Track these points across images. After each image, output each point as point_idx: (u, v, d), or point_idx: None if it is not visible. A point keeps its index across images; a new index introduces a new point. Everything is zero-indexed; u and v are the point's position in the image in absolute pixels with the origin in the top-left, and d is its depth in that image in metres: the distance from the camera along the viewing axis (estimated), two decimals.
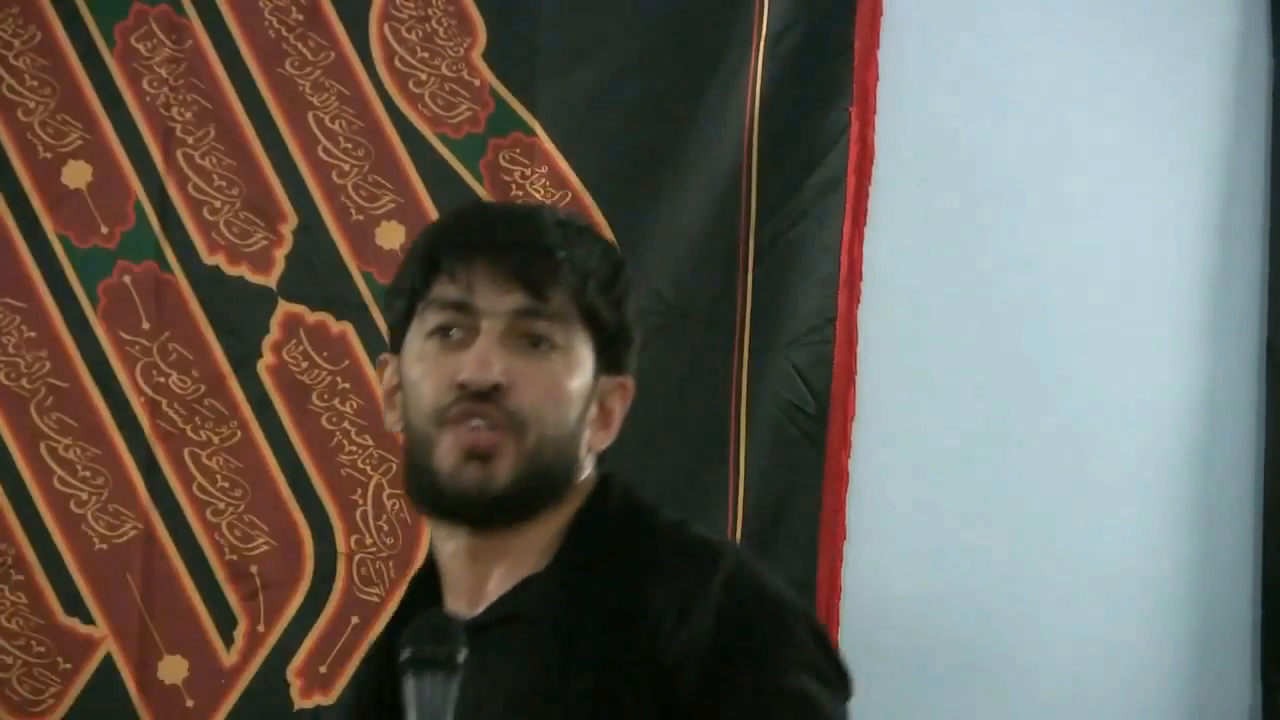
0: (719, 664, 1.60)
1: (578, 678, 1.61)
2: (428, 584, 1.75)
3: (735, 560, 1.66)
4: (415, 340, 1.71)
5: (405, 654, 1.49)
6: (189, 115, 2.98)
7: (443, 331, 1.69)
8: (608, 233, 2.97)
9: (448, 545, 1.71)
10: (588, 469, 1.73)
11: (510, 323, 1.68)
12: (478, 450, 1.66)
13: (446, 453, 1.66)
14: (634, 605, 1.63)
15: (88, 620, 2.88)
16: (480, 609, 1.69)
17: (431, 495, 1.68)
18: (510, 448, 1.66)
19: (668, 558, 1.68)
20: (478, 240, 1.71)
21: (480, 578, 1.70)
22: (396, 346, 1.74)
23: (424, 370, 1.69)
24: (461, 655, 1.49)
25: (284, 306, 2.97)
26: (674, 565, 1.67)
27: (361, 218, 2.99)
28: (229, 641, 2.91)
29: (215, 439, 2.93)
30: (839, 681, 1.68)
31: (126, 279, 2.95)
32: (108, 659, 2.88)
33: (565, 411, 1.69)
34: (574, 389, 1.70)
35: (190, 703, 2.89)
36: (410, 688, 1.48)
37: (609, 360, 1.74)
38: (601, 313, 1.72)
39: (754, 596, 1.64)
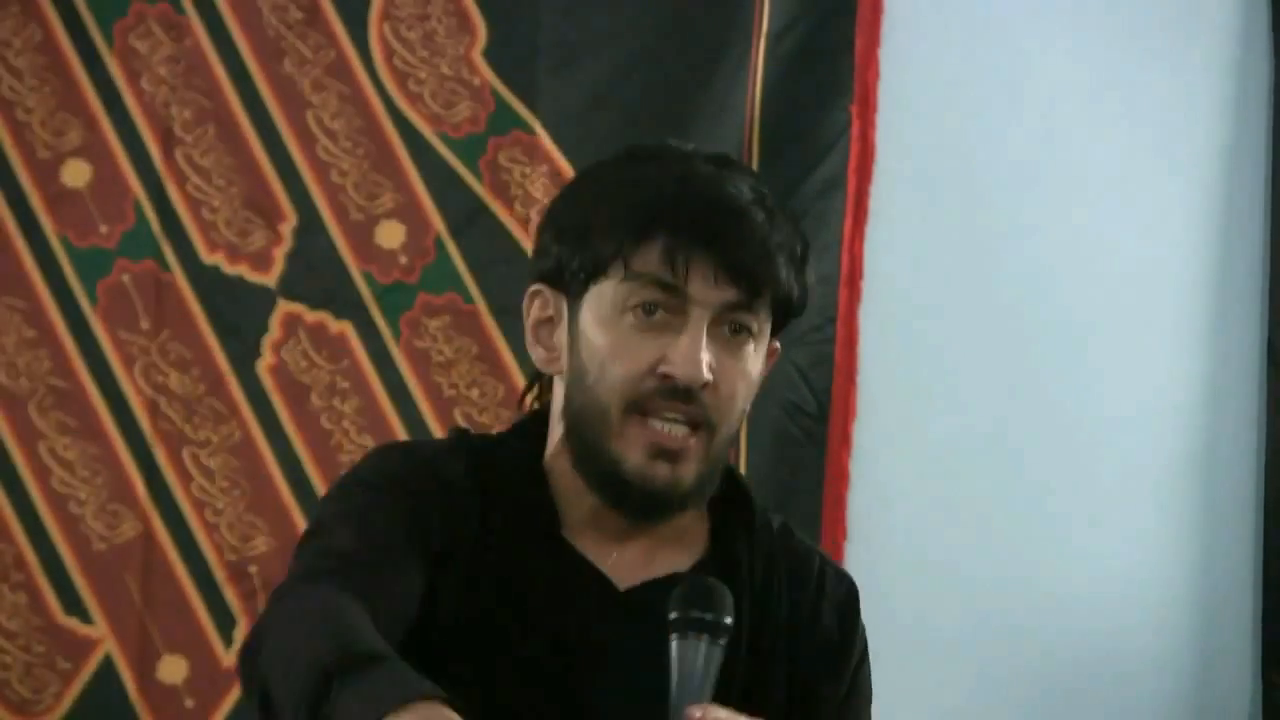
0: (852, 682, 1.72)
1: (753, 666, 1.64)
2: (539, 503, 1.70)
3: None
4: (606, 307, 1.65)
5: (675, 614, 1.52)
6: (188, 114, 2.98)
7: (646, 308, 1.65)
8: None
9: (592, 505, 1.68)
10: None
11: (718, 315, 1.65)
12: (668, 450, 1.64)
13: (633, 446, 1.63)
14: (799, 612, 1.67)
15: (87, 620, 2.88)
16: (624, 580, 1.67)
17: (611, 484, 1.65)
18: (698, 448, 1.65)
19: (824, 569, 1.74)
20: (701, 227, 1.64)
21: (618, 539, 1.69)
22: (560, 285, 1.69)
23: (619, 345, 1.64)
24: (729, 621, 1.53)
25: (283, 306, 2.97)
26: (832, 577, 1.74)
27: (361, 217, 2.99)
28: (228, 641, 2.90)
29: (215, 438, 2.93)
30: None
31: (126, 278, 2.94)
32: (107, 659, 2.88)
33: (747, 402, 1.69)
34: (758, 376, 1.70)
35: (190, 703, 2.88)
36: (675, 648, 1.52)
37: (776, 329, 1.72)
38: (794, 294, 1.69)
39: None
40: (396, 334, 2.97)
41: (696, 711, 1.47)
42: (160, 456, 2.91)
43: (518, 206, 3.00)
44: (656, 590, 1.63)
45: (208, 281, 2.95)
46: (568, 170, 3.00)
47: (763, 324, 1.67)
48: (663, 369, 1.63)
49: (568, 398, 1.68)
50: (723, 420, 1.65)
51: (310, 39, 3.01)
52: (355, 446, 2.94)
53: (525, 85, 3.03)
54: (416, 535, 1.63)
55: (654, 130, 3.03)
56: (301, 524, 2.93)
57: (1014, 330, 3.14)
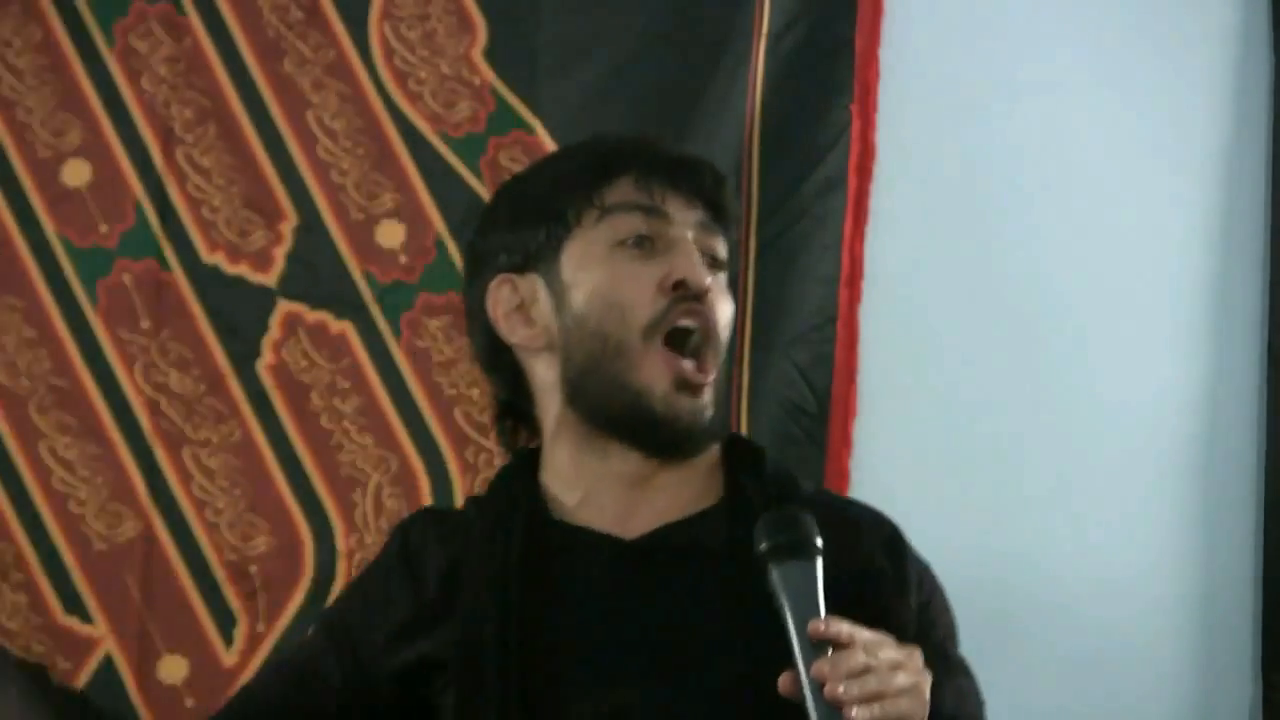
0: (928, 607, 1.76)
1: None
2: (525, 488, 1.71)
3: None
4: (593, 249, 1.69)
5: (764, 546, 1.54)
6: (188, 114, 2.98)
7: (637, 241, 1.67)
8: None
9: (602, 465, 1.69)
10: None
11: (696, 234, 1.69)
12: (691, 382, 1.66)
13: (658, 377, 1.65)
14: (841, 556, 1.65)
15: (87, 620, 2.88)
16: (635, 532, 1.68)
17: (637, 420, 1.67)
18: (708, 379, 1.68)
19: (860, 516, 1.78)
20: (663, 158, 1.72)
21: (633, 503, 1.70)
22: (526, 266, 1.71)
23: (621, 275, 1.67)
24: (819, 540, 1.55)
25: (283, 305, 2.97)
26: (867, 515, 1.79)
27: (361, 216, 2.99)
28: (229, 641, 2.90)
29: (215, 438, 2.93)
30: None
31: (126, 278, 2.94)
32: (107, 659, 2.88)
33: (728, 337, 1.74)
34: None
35: (190, 703, 2.88)
36: (776, 576, 1.54)
37: None
38: (732, 246, 1.74)
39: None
40: (397, 334, 2.97)
41: (821, 625, 1.50)
42: (160, 456, 2.91)
43: None
44: (666, 533, 1.66)
45: (208, 281, 2.95)
46: None
47: (724, 259, 1.72)
48: (673, 279, 1.66)
49: (566, 359, 1.70)
50: (723, 344, 1.69)
51: (310, 39, 3.01)
52: (355, 446, 2.94)
53: (525, 85, 3.03)
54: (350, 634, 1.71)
55: (654, 130, 3.04)
56: (301, 524, 2.93)
57: (1014, 330, 3.14)
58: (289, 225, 2.98)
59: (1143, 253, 3.22)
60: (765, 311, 3.03)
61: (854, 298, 3.06)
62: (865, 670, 1.50)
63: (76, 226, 2.94)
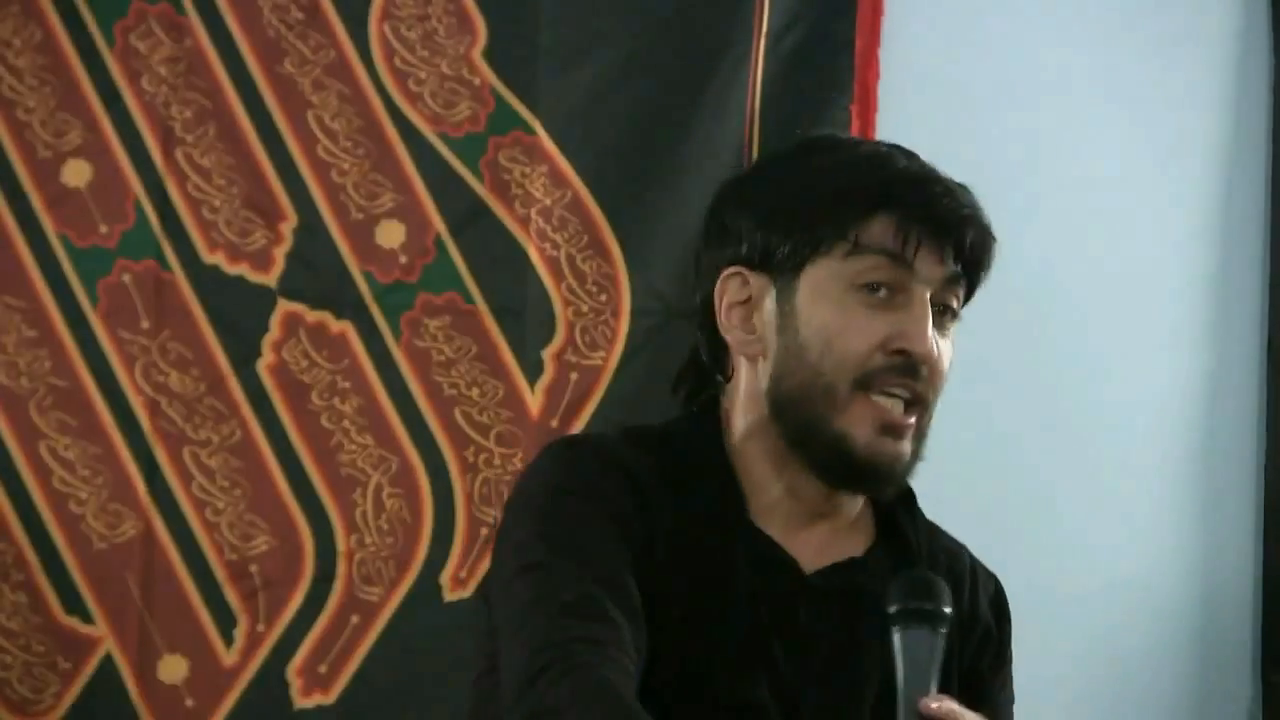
0: (1002, 666, 1.74)
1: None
2: (728, 490, 1.70)
3: None
4: (831, 283, 1.66)
5: (894, 608, 1.55)
6: (189, 114, 2.98)
7: (873, 287, 1.66)
8: (606, 232, 3.00)
9: (790, 482, 1.70)
10: None
11: (937, 291, 1.67)
12: (895, 427, 1.65)
13: (861, 423, 1.65)
14: (960, 604, 1.66)
15: (87, 620, 2.88)
16: (800, 555, 1.69)
17: (836, 462, 1.66)
18: (915, 426, 1.67)
19: (974, 565, 1.80)
20: (932, 203, 1.67)
21: (803, 523, 1.70)
22: (764, 267, 1.69)
23: (849, 322, 1.65)
24: (949, 610, 1.56)
25: (283, 305, 2.97)
26: (982, 571, 1.80)
27: (361, 216, 2.99)
28: (229, 641, 2.90)
29: (215, 438, 2.93)
30: None
31: (126, 278, 2.94)
32: (107, 658, 2.88)
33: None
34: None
35: (190, 702, 2.89)
36: (898, 639, 1.55)
37: None
38: (975, 291, 1.73)
39: None
40: (397, 334, 2.97)
41: (933, 703, 1.50)
42: (160, 456, 2.91)
43: (518, 206, 3.00)
44: (838, 574, 1.68)
45: (208, 281, 2.95)
46: (568, 170, 3.00)
47: (959, 306, 1.71)
48: (897, 345, 1.64)
49: (777, 378, 1.68)
50: (935, 399, 1.68)
51: (310, 39, 3.01)
52: (355, 446, 2.94)
53: (525, 85, 3.03)
54: (624, 544, 1.63)
55: (655, 129, 3.04)
56: (302, 524, 2.93)
57: (1014, 330, 3.14)
58: (289, 225, 2.98)
59: (1143, 252, 3.22)
60: None
61: None
62: None
63: (76, 226, 2.94)
